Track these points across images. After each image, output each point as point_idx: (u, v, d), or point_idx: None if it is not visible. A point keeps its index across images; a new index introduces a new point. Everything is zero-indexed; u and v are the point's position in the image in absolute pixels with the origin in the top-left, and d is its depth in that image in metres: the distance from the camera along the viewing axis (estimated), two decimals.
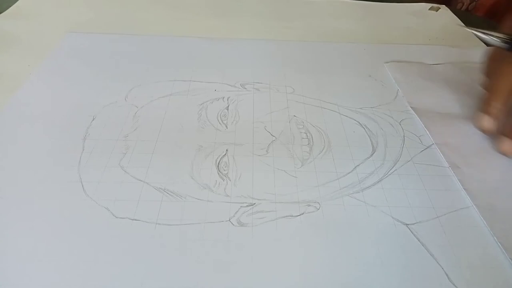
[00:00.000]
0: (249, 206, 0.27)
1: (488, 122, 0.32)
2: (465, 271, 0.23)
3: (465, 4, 0.64)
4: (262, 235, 0.25)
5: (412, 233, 0.26)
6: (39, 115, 0.33)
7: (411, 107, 0.37)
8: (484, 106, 0.33)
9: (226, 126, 0.33)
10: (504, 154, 0.31)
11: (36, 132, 0.32)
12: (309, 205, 0.27)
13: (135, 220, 0.25)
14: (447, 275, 0.23)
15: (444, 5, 0.56)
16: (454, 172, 0.30)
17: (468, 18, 0.52)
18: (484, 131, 0.33)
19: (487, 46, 0.47)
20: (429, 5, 0.56)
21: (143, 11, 0.52)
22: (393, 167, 0.31)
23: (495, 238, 0.25)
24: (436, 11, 0.55)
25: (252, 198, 0.27)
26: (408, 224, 0.26)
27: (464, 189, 0.29)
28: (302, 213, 0.27)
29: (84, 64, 0.40)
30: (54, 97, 0.35)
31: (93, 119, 0.33)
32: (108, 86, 0.37)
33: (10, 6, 0.50)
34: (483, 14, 0.63)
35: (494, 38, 0.31)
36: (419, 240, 0.25)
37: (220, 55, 0.43)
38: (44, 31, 0.45)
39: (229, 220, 0.26)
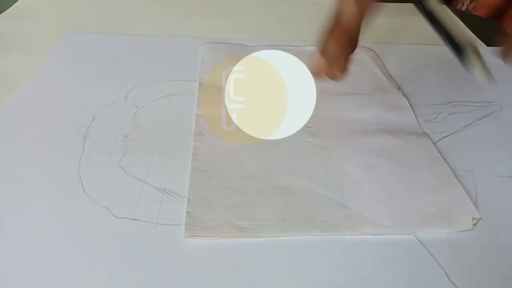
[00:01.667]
0: None
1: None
2: (465, 271, 0.23)
3: (465, 4, 0.64)
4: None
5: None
6: (39, 115, 0.33)
7: (199, 82, 0.38)
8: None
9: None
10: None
11: (36, 132, 0.31)
12: None
13: (135, 220, 0.25)
14: (447, 275, 0.23)
15: (444, 5, 0.56)
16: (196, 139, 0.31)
17: (468, 18, 0.52)
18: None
19: (487, 46, 0.48)
20: None
21: (143, 11, 0.52)
22: None
23: None
24: None
25: None
26: None
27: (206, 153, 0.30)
28: None
29: (84, 64, 0.40)
30: (54, 97, 0.35)
31: (93, 119, 0.33)
32: (108, 86, 0.37)
33: (10, 6, 0.50)
34: (483, 14, 0.63)
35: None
36: (419, 240, 0.25)
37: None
38: (44, 31, 0.45)
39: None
